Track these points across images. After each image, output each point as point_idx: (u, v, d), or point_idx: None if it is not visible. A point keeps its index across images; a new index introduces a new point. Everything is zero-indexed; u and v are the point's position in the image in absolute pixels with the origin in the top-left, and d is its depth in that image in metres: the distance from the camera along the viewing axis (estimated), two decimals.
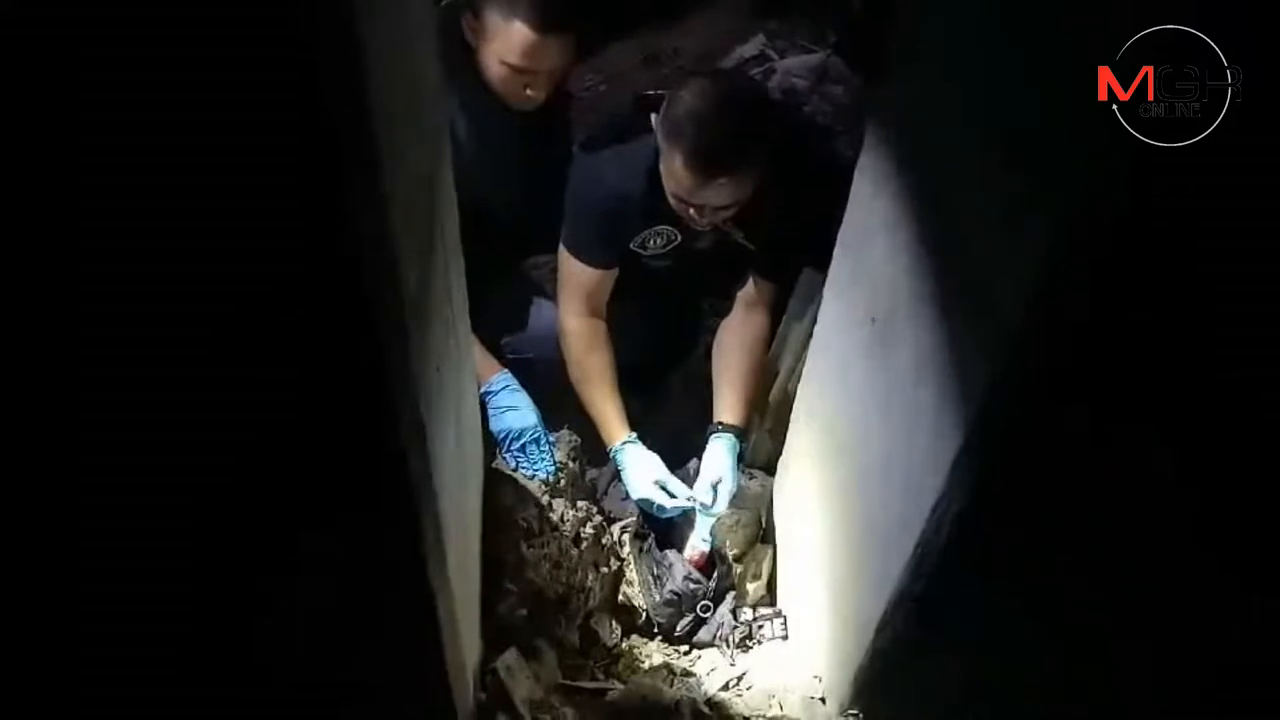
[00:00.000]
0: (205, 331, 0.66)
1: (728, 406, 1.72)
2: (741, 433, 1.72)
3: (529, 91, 1.55)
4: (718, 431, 1.71)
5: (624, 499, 1.75)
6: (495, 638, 1.48)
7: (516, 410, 1.59)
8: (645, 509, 1.70)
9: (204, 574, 0.89)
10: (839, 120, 2.38)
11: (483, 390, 1.59)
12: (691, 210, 1.52)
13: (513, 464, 1.54)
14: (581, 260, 1.67)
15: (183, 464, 0.77)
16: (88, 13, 0.50)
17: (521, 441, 1.56)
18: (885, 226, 1.12)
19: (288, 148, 0.56)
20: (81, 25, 0.50)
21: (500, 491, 1.49)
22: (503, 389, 1.61)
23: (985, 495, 0.89)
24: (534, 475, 1.55)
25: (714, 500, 1.65)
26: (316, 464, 0.79)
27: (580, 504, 1.60)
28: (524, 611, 1.49)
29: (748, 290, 1.75)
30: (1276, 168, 0.60)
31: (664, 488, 1.66)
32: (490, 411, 1.59)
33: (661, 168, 1.52)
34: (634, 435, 1.70)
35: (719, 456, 1.68)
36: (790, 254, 1.65)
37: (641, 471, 1.67)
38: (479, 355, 1.58)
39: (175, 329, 0.66)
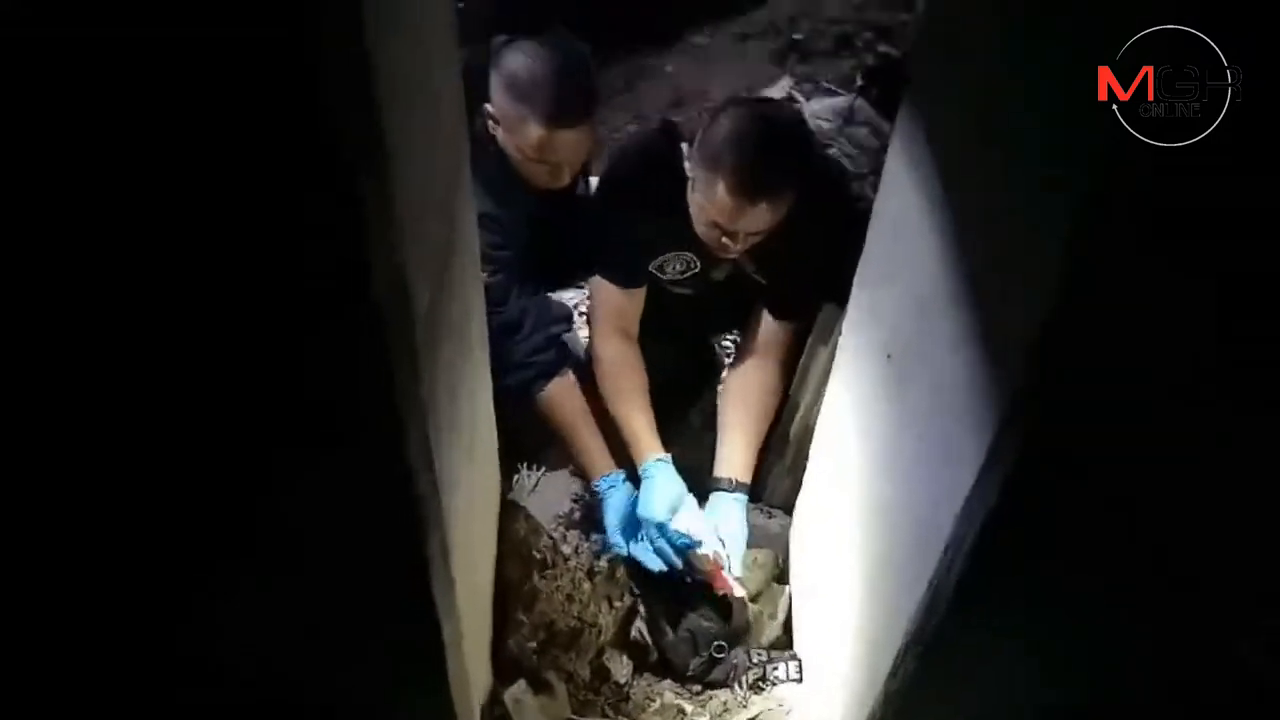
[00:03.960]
0: (207, 338, 0.67)
1: (734, 461, 1.68)
2: (747, 489, 1.69)
3: (551, 177, 1.59)
4: (724, 489, 1.66)
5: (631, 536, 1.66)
6: (505, 669, 1.47)
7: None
8: (636, 550, 1.61)
9: (201, 589, 0.90)
10: (864, 162, 2.39)
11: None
12: (724, 238, 1.52)
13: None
14: (609, 282, 1.68)
15: (179, 474, 0.78)
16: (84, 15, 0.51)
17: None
18: (903, 264, 1.12)
19: (294, 163, 0.57)
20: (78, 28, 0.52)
21: (514, 522, 1.49)
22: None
23: (996, 533, 0.87)
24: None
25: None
26: (324, 482, 0.80)
27: (595, 536, 1.60)
28: (534, 644, 1.48)
29: (759, 336, 1.73)
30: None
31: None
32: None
33: (695, 196, 1.52)
34: (668, 456, 1.66)
35: (729, 516, 1.62)
36: (803, 291, 1.64)
37: (665, 493, 1.60)
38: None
39: (178, 337, 0.68)
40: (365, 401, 0.71)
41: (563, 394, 1.68)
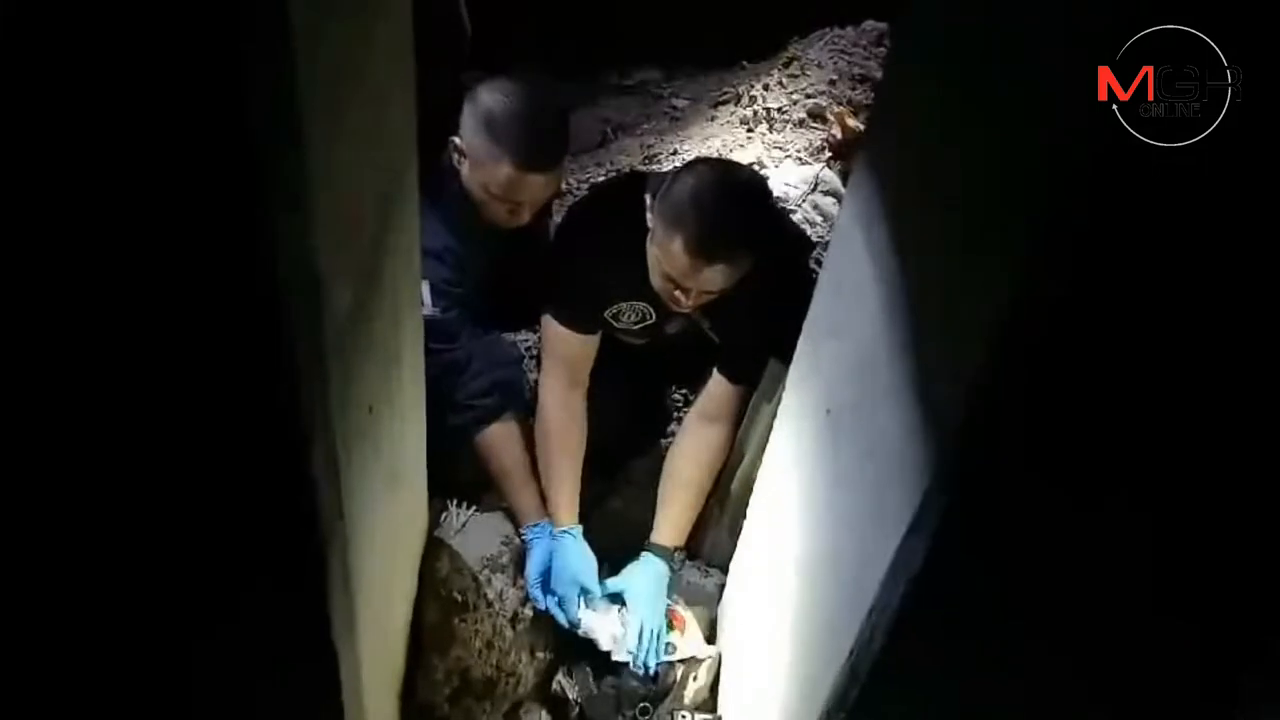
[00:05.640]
0: (101, 338, 0.63)
1: (672, 530, 1.67)
2: (673, 553, 1.67)
3: (511, 216, 1.58)
4: (656, 554, 1.66)
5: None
6: (415, 716, 1.40)
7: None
8: (550, 605, 1.59)
9: (91, 611, 0.84)
10: (827, 230, 2.42)
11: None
12: (678, 292, 1.51)
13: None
14: (563, 325, 1.65)
15: (66, 490, 0.73)
16: None
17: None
18: (846, 322, 1.12)
19: (204, 150, 0.54)
20: None
21: (437, 560, 1.43)
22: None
23: (919, 599, 0.85)
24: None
25: (640, 644, 1.58)
26: (220, 488, 0.75)
27: (521, 583, 1.54)
28: (447, 690, 1.41)
29: (709, 397, 1.71)
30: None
31: (584, 592, 1.59)
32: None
33: (654, 249, 1.51)
34: (580, 528, 1.64)
35: (642, 582, 1.62)
36: (757, 354, 1.63)
37: (572, 565, 1.59)
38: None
39: (69, 340, 0.64)
40: (265, 397, 0.67)
41: (501, 440, 1.65)
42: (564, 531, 1.61)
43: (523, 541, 1.61)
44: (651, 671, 1.58)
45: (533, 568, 1.58)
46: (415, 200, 1.02)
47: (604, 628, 1.59)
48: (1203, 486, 0.75)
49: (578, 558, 1.60)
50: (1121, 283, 0.63)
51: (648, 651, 1.57)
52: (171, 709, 0.95)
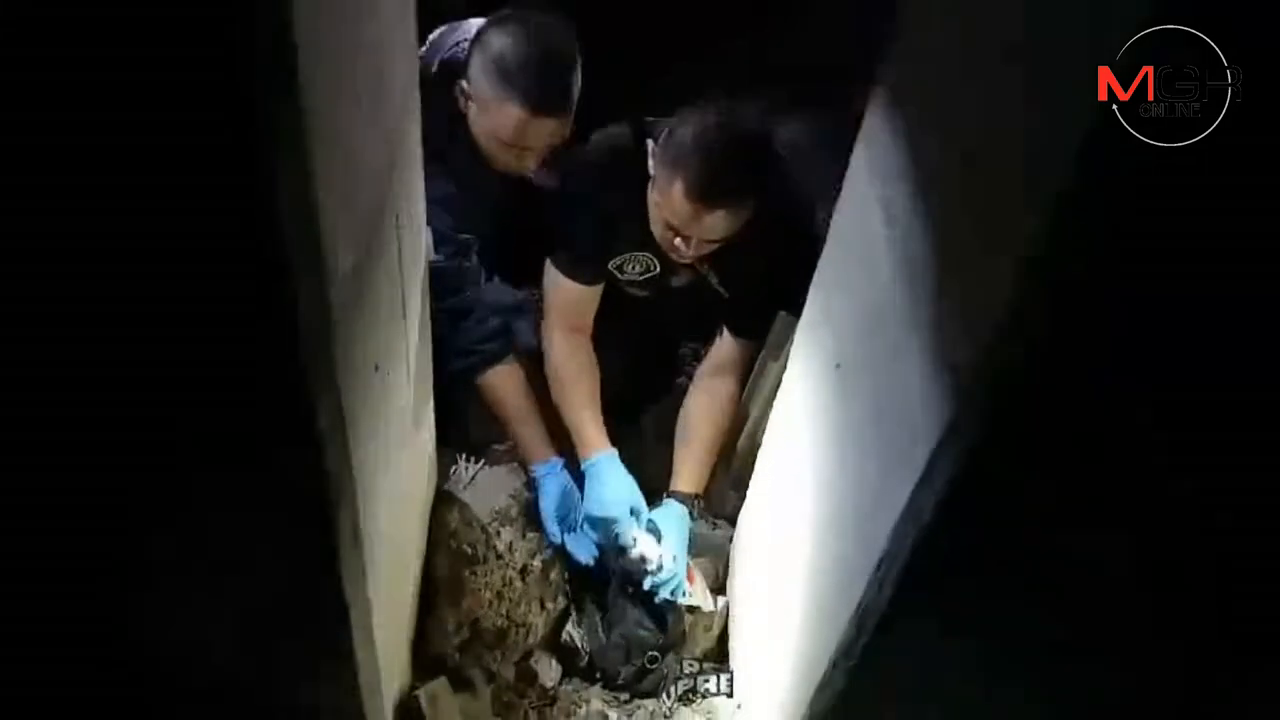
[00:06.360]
0: (109, 296, 0.63)
1: (690, 476, 1.68)
2: (693, 500, 1.68)
3: (518, 163, 1.56)
4: (676, 500, 1.66)
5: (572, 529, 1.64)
6: (427, 666, 1.42)
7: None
8: (598, 540, 1.60)
9: (106, 569, 0.85)
10: (836, 186, 2.38)
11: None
12: (679, 240, 1.49)
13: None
14: (564, 275, 1.65)
15: (85, 447, 0.73)
16: None
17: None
18: (856, 274, 1.10)
19: (206, 115, 0.53)
20: None
21: (447, 513, 1.44)
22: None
23: (928, 552, 0.85)
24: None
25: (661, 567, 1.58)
26: (228, 448, 0.75)
27: (530, 535, 1.55)
28: (458, 640, 1.43)
29: (718, 353, 1.72)
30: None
31: (633, 513, 1.58)
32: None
33: (654, 196, 1.49)
34: (615, 450, 1.63)
35: (669, 528, 1.61)
36: (762, 309, 1.62)
37: (616, 489, 1.58)
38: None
39: (80, 299, 0.63)
40: (270, 356, 0.66)
41: (504, 381, 1.65)
42: (602, 455, 1.60)
43: (532, 482, 1.62)
44: (676, 599, 1.58)
45: (547, 504, 1.58)
46: (419, 156, 1.00)
47: (655, 549, 1.57)
48: (1218, 459, 0.75)
49: (623, 478, 1.59)
50: (1151, 244, 0.62)
51: (677, 576, 1.56)
52: (185, 662, 0.97)
